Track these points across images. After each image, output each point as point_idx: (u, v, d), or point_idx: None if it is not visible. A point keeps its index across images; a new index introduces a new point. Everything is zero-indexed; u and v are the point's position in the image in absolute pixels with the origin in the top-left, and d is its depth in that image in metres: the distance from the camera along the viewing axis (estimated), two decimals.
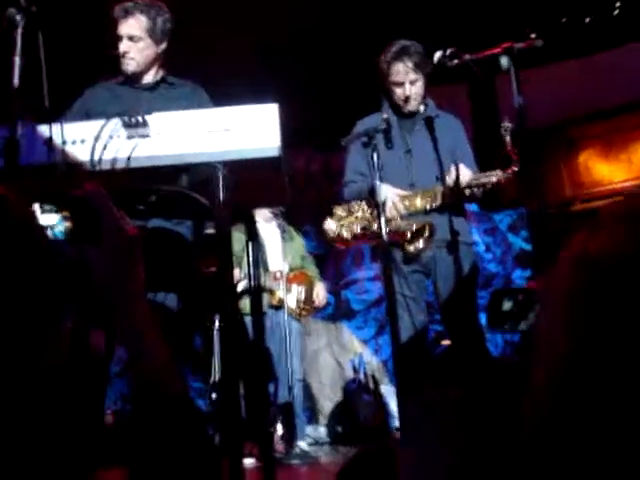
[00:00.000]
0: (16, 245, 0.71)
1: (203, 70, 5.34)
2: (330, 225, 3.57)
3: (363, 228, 3.48)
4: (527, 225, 7.15)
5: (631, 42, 7.06)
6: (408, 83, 3.53)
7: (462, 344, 3.51)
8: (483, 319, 6.48)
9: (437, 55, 2.98)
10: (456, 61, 2.91)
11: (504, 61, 2.66)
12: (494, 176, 3.35)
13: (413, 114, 3.62)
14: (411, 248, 3.35)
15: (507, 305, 1.37)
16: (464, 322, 3.46)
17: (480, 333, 3.55)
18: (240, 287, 4.90)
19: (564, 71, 7.27)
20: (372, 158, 2.98)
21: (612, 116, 7.52)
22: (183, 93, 3.19)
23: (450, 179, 3.37)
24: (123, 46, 3.13)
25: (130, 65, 3.14)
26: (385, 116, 3.14)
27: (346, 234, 3.51)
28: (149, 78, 3.21)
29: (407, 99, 3.54)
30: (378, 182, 2.90)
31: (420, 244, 3.37)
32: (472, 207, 6.90)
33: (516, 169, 3.27)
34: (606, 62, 7.20)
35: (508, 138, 3.12)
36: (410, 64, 3.49)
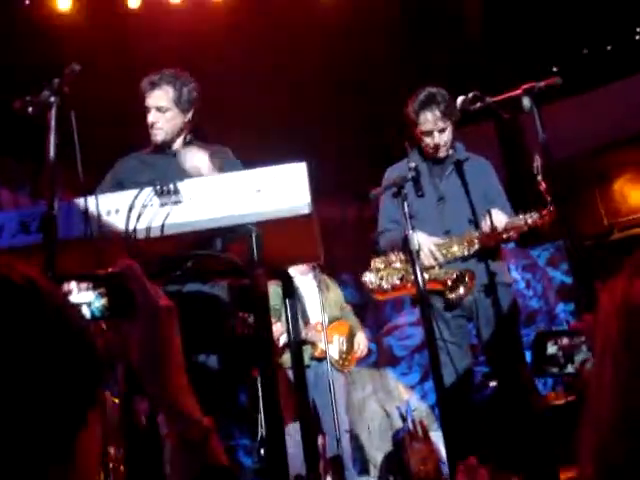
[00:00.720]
0: (50, 330, 0.73)
1: (236, 132, 5.47)
2: (369, 277, 3.57)
3: (401, 278, 3.48)
4: (566, 258, 7.07)
5: None
6: (437, 132, 3.54)
7: (509, 385, 3.45)
8: (529, 357, 6.38)
9: (459, 100, 3.00)
10: (479, 104, 2.93)
11: (526, 102, 2.67)
12: (530, 218, 3.34)
13: (442, 160, 3.62)
14: (452, 296, 3.34)
15: (552, 349, 1.35)
16: (509, 362, 3.41)
17: (527, 372, 3.49)
18: (282, 341, 4.90)
19: (591, 100, 7.26)
20: (402, 208, 2.98)
21: None
22: (211, 155, 3.25)
23: (486, 225, 3.35)
24: (151, 117, 3.21)
25: (159, 135, 3.22)
26: (413, 164, 3.15)
27: (385, 285, 3.51)
28: (177, 145, 3.27)
29: (437, 147, 3.54)
30: (411, 231, 2.90)
31: (461, 291, 3.36)
32: (509, 245, 6.86)
33: (552, 209, 3.24)
34: (634, 87, 7.17)
35: (540, 177, 3.11)
36: (438, 113, 3.50)
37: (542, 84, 2.67)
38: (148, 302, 0.99)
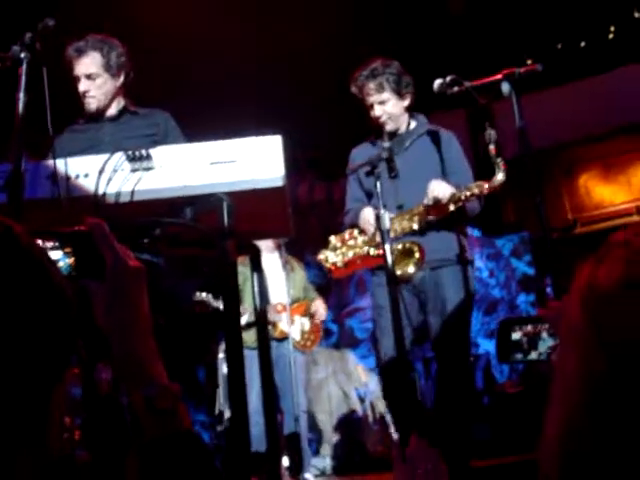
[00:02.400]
0: (30, 278, 0.71)
1: (208, 103, 5.40)
2: (325, 255, 3.54)
3: (355, 254, 3.45)
4: (530, 249, 7.15)
5: (627, 65, 7.12)
6: (377, 104, 3.50)
7: (448, 373, 3.41)
8: (490, 345, 6.45)
9: (437, 83, 2.99)
10: (456, 88, 2.92)
11: (505, 87, 2.67)
12: (477, 188, 3.29)
13: (403, 136, 3.57)
14: (399, 272, 3.21)
15: (516, 335, 1.35)
16: (453, 349, 3.39)
17: (467, 362, 3.50)
18: (243, 320, 4.88)
19: (561, 95, 7.33)
20: (376, 187, 2.97)
21: (610, 138, 7.56)
22: (148, 121, 3.20)
23: (426, 197, 3.31)
24: (82, 86, 3.13)
25: (92, 103, 3.15)
26: (386, 144, 3.12)
27: (339, 263, 3.48)
28: (112, 111, 3.22)
29: (380, 121, 3.51)
30: (382, 210, 2.88)
31: (410, 268, 3.27)
32: (475, 232, 6.91)
33: (501, 178, 3.21)
34: (603, 85, 7.25)
35: (492, 146, 3.10)
36: (374, 86, 3.48)
37: (522, 70, 2.67)
38: (117, 262, 0.96)
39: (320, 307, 5.38)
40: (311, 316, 5.34)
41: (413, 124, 3.66)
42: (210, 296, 4.86)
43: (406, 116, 3.63)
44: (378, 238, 3.14)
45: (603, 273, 0.68)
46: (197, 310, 4.85)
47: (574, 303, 0.69)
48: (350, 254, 3.48)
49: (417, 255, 3.25)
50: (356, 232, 3.48)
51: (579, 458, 0.65)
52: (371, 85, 3.48)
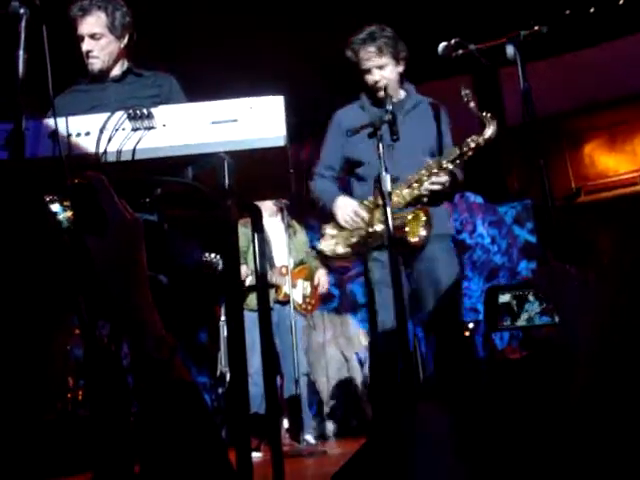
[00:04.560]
0: (30, 226, 0.71)
1: (207, 63, 5.36)
2: (323, 246, 3.52)
3: (359, 235, 3.43)
4: (532, 217, 7.15)
5: (635, 33, 7.04)
6: (375, 69, 3.47)
7: (446, 344, 3.39)
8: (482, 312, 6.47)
9: (441, 46, 2.96)
10: (461, 51, 2.89)
11: (510, 50, 2.65)
12: (472, 142, 3.31)
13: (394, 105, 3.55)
14: (416, 239, 3.25)
15: (504, 298, 1.36)
16: (442, 322, 3.38)
17: (461, 332, 3.51)
18: (246, 283, 4.91)
19: (568, 63, 7.26)
20: (378, 149, 2.96)
21: (616, 107, 7.51)
22: (151, 82, 3.18)
23: (425, 185, 3.34)
24: (85, 45, 3.10)
25: (96, 64, 3.12)
26: (390, 107, 3.10)
27: (342, 249, 3.46)
28: (116, 72, 3.20)
29: (377, 86, 3.47)
30: (384, 173, 2.89)
31: (422, 232, 3.28)
32: (477, 199, 6.90)
33: (493, 130, 3.23)
34: (610, 53, 7.18)
35: (472, 103, 3.10)
36: (373, 49, 3.44)
37: (527, 32, 2.65)
38: (116, 215, 0.97)
39: (322, 278, 5.41)
40: (313, 281, 5.37)
41: (402, 93, 3.63)
42: (218, 257, 4.88)
43: (397, 84, 3.60)
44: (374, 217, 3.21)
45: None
46: (204, 271, 4.87)
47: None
48: (352, 239, 3.46)
49: (424, 218, 3.27)
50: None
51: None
52: (370, 49, 3.44)
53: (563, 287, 1.23)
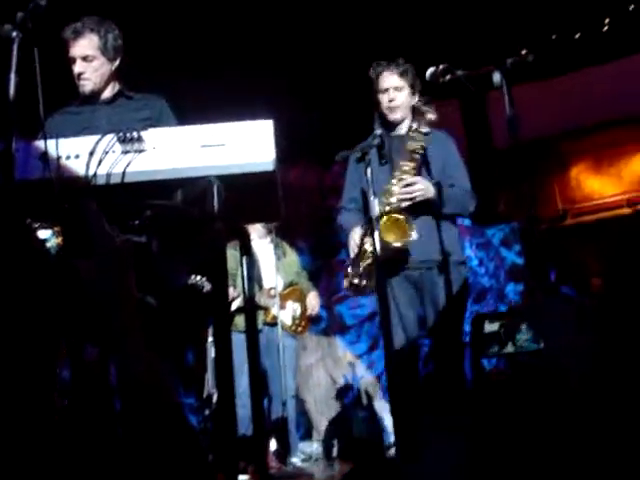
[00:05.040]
0: (18, 254, 0.72)
1: (200, 86, 5.39)
2: (347, 283, 3.60)
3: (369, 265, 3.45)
4: (519, 239, 7.19)
5: (621, 58, 7.13)
6: (392, 89, 3.59)
7: (442, 367, 3.48)
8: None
9: (429, 71, 2.99)
10: (449, 77, 2.92)
11: (496, 76, 2.67)
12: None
13: (402, 136, 3.61)
14: (390, 240, 3.27)
15: (491, 327, 1.37)
16: (447, 346, 3.47)
17: (460, 358, 3.56)
18: (235, 305, 4.90)
19: (555, 87, 7.33)
20: (366, 174, 2.99)
21: (603, 131, 7.58)
22: (142, 105, 3.19)
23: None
24: (78, 67, 3.10)
25: (87, 85, 3.13)
26: (379, 132, 3.14)
27: (364, 281, 3.50)
28: (107, 94, 3.21)
29: (392, 105, 3.58)
30: (372, 197, 2.91)
31: (411, 236, 3.29)
32: (465, 222, 6.94)
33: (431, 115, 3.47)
34: (597, 77, 7.26)
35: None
36: (396, 71, 3.60)
37: (514, 59, 2.68)
38: (104, 240, 0.98)
39: (313, 301, 5.40)
40: (303, 301, 5.36)
41: (415, 124, 3.69)
42: (204, 279, 4.88)
43: (409, 111, 3.70)
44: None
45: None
46: (190, 293, 4.87)
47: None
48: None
49: (401, 222, 3.30)
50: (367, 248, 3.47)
51: None
52: (394, 70, 3.61)
53: (548, 317, 1.25)
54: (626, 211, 7.53)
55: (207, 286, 4.83)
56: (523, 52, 6.05)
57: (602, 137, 7.66)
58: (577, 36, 7.11)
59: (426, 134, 3.57)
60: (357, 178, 3.67)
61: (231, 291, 4.84)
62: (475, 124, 7.10)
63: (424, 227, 3.47)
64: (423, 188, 3.43)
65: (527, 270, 6.94)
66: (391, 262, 3.35)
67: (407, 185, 3.41)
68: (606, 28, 7.08)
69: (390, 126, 3.66)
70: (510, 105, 2.64)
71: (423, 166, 3.54)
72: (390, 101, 3.59)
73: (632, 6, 6.51)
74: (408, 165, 3.46)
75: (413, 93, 3.66)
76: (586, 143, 7.78)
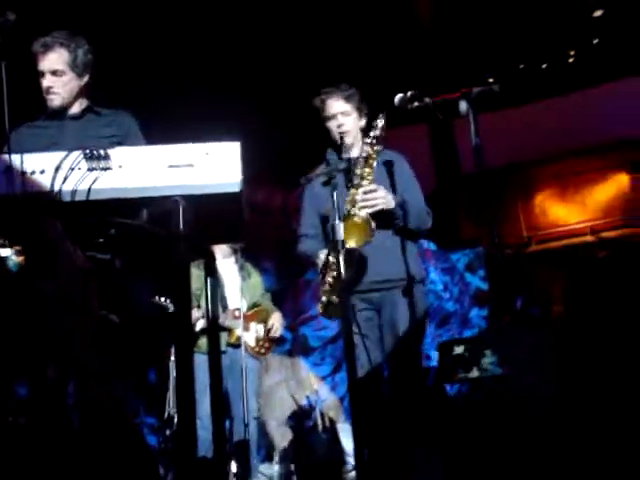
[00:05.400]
0: None
1: (165, 107, 5.38)
2: (323, 306, 3.48)
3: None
4: (484, 265, 7.25)
5: (585, 88, 7.28)
6: (340, 114, 3.61)
7: (401, 393, 3.45)
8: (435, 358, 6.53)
9: (397, 98, 3.02)
10: (416, 103, 2.95)
11: (462, 105, 2.71)
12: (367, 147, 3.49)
13: (356, 159, 3.60)
14: (351, 244, 3.23)
15: (459, 350, 1.39)
16: (406, 372, 3.46)
17: (421, 379, 3.58)
18: (198, 326, 4.85)
19: (522, 115, 7.46)
20: (332, 197, 2.99)
21: (567, 159, 7.71)
22: (110, 121, 3.18)
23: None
24: (46, 81, 3.09)
25: (55, 100, 3.11)
26: (346, 156, 3.16)
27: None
28: (75, 109, 3.19)
29: (340, 130, 3.58)
30: (337, 222, 2.91)
31: (373, 236, 3.27)
32: (430, 246, 6.99)
33: (380, 122, 3.44)
34: (562, 106, 7.40)
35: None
36: (341, 96, 3.63)
37: (480, 89, 2.73)
38: (67, 261, 0.97)
39: (277, 322, 5.36)
40: (267, 323, 5.34)
41: (366, 148, 3.70)
42: (168, 301, 4.84)
43: (360, 138, 3.70)
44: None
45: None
46: (153, 312, 4.83)
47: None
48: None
49: (361, 225, 3.29)
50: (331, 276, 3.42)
51: None
52: (338, 95, 3.62)
53: (513, 342, 1.27)
54: (589, 239, 7.64)
55: (171, 307, 4.78)
56: (490, 80, 6.16)
57: (567, 165, 7.79)
58: (543, 66, 7.25)
59: (378, 152, 3.56)
60: (316, 203, 3.68)
61: (195, 312, 4.80)
62: (443, 149, 7.18)
63: (385, 243, 3.47)
64: (383, 196, 3.41)
65: (492, 295, 7.00)
66: (353, 282, 3.34)
67: (367, 192, 3.39)
68: (571, 59, 7.23)
69: (343, 150, 3.66)
70: (476, 133, 2.67)
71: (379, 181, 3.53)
72: (339, 126, 3.60)
73: (596, 40, 6.67)
74: (366, 171, 3.45)
75: (360, 116, 3.69)
76: (551, 170, 7.90)
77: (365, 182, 3.42)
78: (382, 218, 3.40)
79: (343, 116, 3.62)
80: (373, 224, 3.29)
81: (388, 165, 3.62)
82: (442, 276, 7.31)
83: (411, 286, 3.46)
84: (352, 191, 3.42)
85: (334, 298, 3.32)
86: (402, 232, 3.54)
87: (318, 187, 3.56)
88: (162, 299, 4.82)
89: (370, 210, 3.35)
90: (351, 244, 3.23)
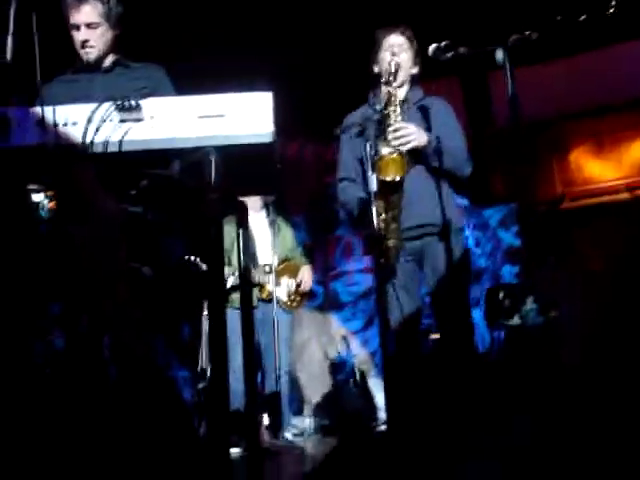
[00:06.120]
0: (11, 217, 0.71)
1: (199, 57, 5.35)
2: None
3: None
4: (517, 221, 7.18)
5: (624, 41, 7.09)
6: (397, 47, 3.52)
7: (450, 339, 3.43)
8: (474, 313, 6.53)
9: (432, 47, 2.96)
10: (451, 54, 2.89)
11: (499, 54, 2.65)
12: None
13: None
14: (388, 178, 3.11)
15: (501, 296, 1.37)
16: (453, 315, 3.38)
17: (470, 327, 3.49)
18: (230, 283, 4.88)
19: (557, 69, 7.30)
20: (365, 148, 2.95)
21: (604, 115, 7.56)
22: (140, 74, 3.16)
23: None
24: (82, 35, 3.06)
25: (92, 53, 3.09)
26: (378, 107, 3.10)
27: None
28: (106, 63, 3.17)
29: (395, 60, 3.44)
30: (370, 172, 2.89)
31: (394, 172, 3.15)
32: (463, 202, 6.93)
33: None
34: (599, 61, 7.23)
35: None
36: (404, 34, 3.55)
37: (516, 37, 2.66)
38: (98, 206, 0.97)
39: (306, 276, 5.37)
40: (297, 278, 5.36)
41: (410, 94, 3.63)
42: (198, 260, 4.85)
43: (409, 78, 3.62)
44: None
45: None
46: (185, 269, 4.85)
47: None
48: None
49: (398, 159, 3.18)
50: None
51: None
52: (401, 33, 3.56)
53: (555, 286, 1.25)
54: (624, 196, 7.53)
55: (203, 267, 4.79)
56: (526, 33, 6.01)
57: (603, 121, 7.64)
58: (582, 18, 7.06)
59: (422, 98, 3.51)
60: (354, 149, 3.57)
61: (226, 270, 4.81)
62: (476, 103, 7.06)
63: (421, 185, 3.40)
64: (415, 131, 3.32)
65: (525, 252, 6.94)
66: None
67: (396, 130, 3.29)
68: (611, 11, 7.03)
69: (376, 100, 3.57)
70: (512, 85, 2.61)
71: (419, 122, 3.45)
72: (393, 55, 3.47)
73: None
74: (392, 110, 3.35)
75: (415, 61, 3.59)
76: (587, 127, 7.76)
77: (392, 121, 3.32)
78: (417, 158, 3.34)
79: (400, 49, 3.52)
80: (407, 158, 3.19)
81: (424, 110, 3.54)
82: (474, 232, 7.26)
83: (448, 232, 3.38)
84: (386, 133, 3.30)
85: (388, 243, 3.26)
86: (438, 173, 3.43)
87: (354, 135, 3.49)
88: (193, 258, 4.84)
89: (403, 147, 3.25)
90: (387, 178, 3.13)
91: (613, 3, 6.69)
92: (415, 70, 3.62)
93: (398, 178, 3.15)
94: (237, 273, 4.41)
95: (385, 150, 3.19)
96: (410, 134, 3.29)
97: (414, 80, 3.64)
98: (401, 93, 3.56)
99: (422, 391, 3.39)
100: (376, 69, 3.60)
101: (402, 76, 3.51)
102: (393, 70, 3.38)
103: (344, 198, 3.63)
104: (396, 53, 3.49)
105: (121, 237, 0.99)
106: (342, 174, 3.69)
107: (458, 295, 3.39)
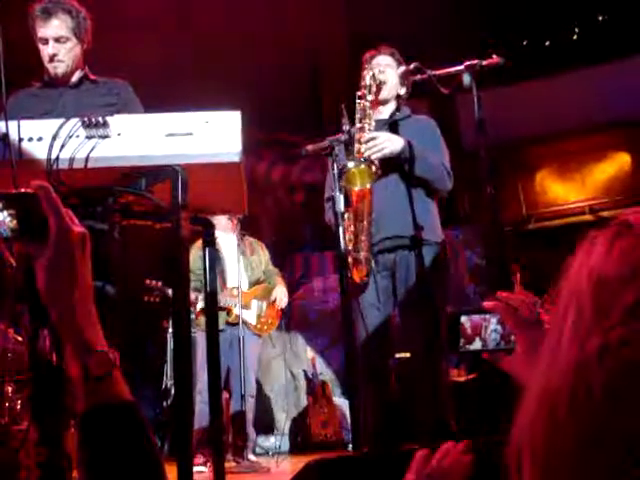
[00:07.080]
0: None
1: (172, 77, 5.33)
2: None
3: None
4: (482, 242, 7.24)
5: (588, 66, 7.23)
6: (385, 65, 3.51)
7: (417, 358, 3.36)
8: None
9: (401, 69, 2.99)
10: (419, 76, 2.92)
11: (466, 79, 2.68)
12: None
13: (379, 121, 3.53)
14: (356, 189, 3.15)
15: (464, 324, 1.37)
16: (421, 333, 3.27)
17: (440, 346, 3.44)
18: (199, 307, 4.78)
19: (524, 92, 7.42)
20: (332, 169, 2.95)
21: (568, 138, 7.69)
22: (107, 90, 3.12)
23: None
24: (51, 49, 3.00)
25: (60, 68, 3.04)
26: (347, 127, 3.10)
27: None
28: (73, 78, 3.12)
29: (381, 78, 3.44)
30: (337, 193, 2.88)
31: (364, 182, 3.16)
32: None
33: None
34: (565, 85, 7.36)
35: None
36: (392, 56, 3.55)
37: (484, 62, 2.69)
38: (60, 226, 0.95)
39: (280, 294, 5.30)
40: (269, 300, 5.27)
41: (396, 113, 3.62)
42: (160, 284, 4.79)
43: (394, 102, 3.62)
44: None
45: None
46: (147, 298, 4.78)
47: (582, 284, 0.66)
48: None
49: (368, 170, 3.15)
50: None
51: (556, 451, 0.61)
52: (390, 55, 3.55)
53: (521, 319, 1.24)
54: (588, 218, 7.64)
55: (168, 291, 4.69)
56: (494, 56, 6.10)
57: (567, 143, 7.77)
58: (547, 43, 7.20)
59: (408, 116, 3.50)
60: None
61: (196, 295, 4.69)
62: (444, 124, 7.12)
63: (393, 197, 3.36)
64: (386, 139, 3.27)
65: (490, 272, 7.00)
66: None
67: (368, 141, 3.26)
68: (575, 36, 7.18)
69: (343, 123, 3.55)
70: (479, 107, 2.64)
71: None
72: (380, 72, 3.46)
73: (600, 17, 6.61)
74: (370, 124, 3.33)
75: (401, 82, 3.55)
76: (552, 149, 7.88)
77: (365, 133, 3.30)
78: (393, 167, 3.32)
79: (385, 67, 3.50)
80: (374, 167, 3.15)
81: (409, 128, 3.52)
82: None
83: (420, 244, 3.33)
84: (356, 146, 3.30)
85: (358, 255, 3.24)
86: (415, 185, 3.39)
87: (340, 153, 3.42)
88: (153, 282, 4.77)
89: (377, 155, 3.22)
90: (355, 188, 3.13)
91: (576, 30, 6.83)
92: (402, 91, 3.61)
93: (367, 186, 3.15)
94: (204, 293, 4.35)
95: (351, 164, 3.16)
96: (382, 142, 3.26)
97: (400, 100, 3.64)
98: (386, 110, 3.58)
99: (387, 411, 3.37)
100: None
101: (386, 94, 3.53)
102: (374, 83, 3.38)
103: (329, 217, 3.60)
104: (382, 71, 3.48)
105: (84, 258, 0.97)
106: (326, 194, 3.64)
107: (428, 311, 3.27)
